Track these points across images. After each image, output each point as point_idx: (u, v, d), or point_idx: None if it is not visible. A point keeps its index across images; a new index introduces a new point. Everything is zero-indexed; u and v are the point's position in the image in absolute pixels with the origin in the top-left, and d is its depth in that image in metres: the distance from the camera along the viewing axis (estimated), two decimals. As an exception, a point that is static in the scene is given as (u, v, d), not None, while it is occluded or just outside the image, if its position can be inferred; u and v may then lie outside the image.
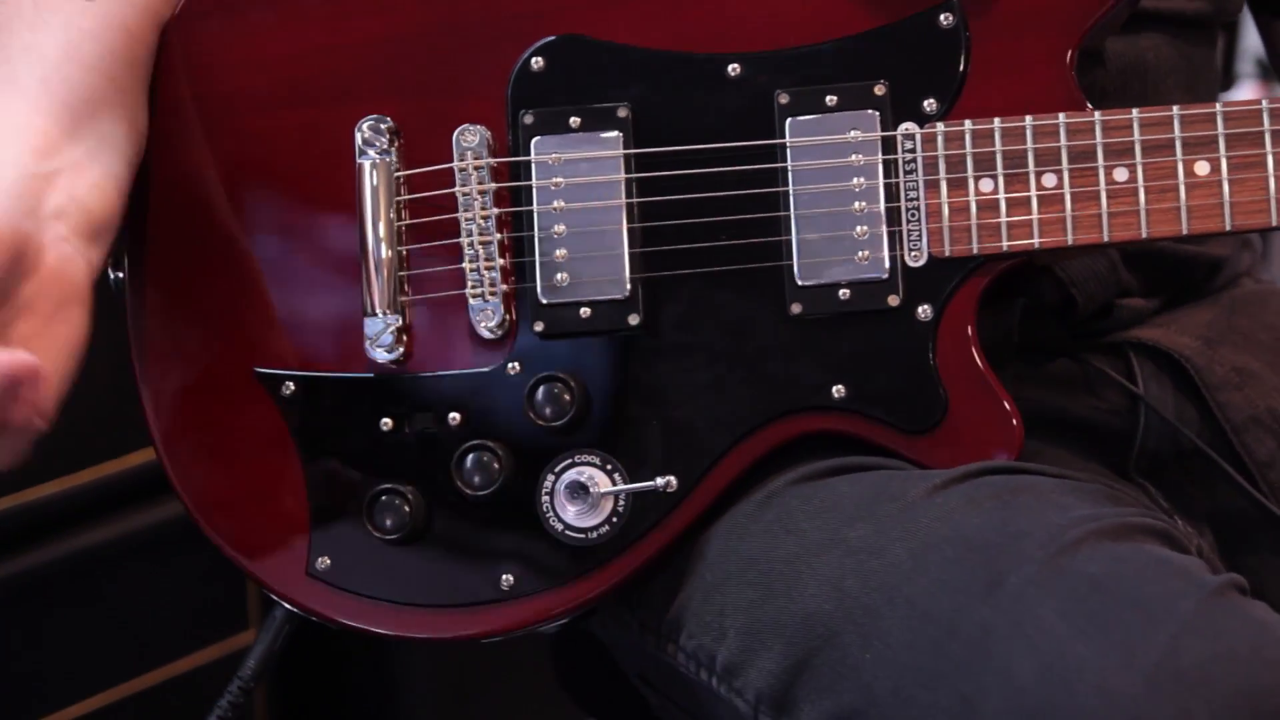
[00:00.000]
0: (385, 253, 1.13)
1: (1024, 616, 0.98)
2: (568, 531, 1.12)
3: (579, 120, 1.13)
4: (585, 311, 1.13)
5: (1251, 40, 1.42)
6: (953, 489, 1.07)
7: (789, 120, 1.12)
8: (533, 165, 1.13)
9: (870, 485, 1.10)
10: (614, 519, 1.11)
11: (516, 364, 1.13)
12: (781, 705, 1.07)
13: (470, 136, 1.14)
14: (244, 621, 1.62)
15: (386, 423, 1.13)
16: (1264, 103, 1.10)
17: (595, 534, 1.12)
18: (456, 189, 1.14)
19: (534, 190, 1.13)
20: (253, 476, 1.14)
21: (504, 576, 1.12)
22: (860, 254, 1.12)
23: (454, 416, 1.13)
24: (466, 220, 1.14)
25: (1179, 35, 1.25)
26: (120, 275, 1.17)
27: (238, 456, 1.14)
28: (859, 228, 1.12)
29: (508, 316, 1.13)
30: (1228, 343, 1.27)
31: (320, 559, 1.13)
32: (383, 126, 1.14)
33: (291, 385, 1.14)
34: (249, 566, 1.14)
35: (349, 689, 1.75)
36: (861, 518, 1.07)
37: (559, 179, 1.13)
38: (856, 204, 1.12)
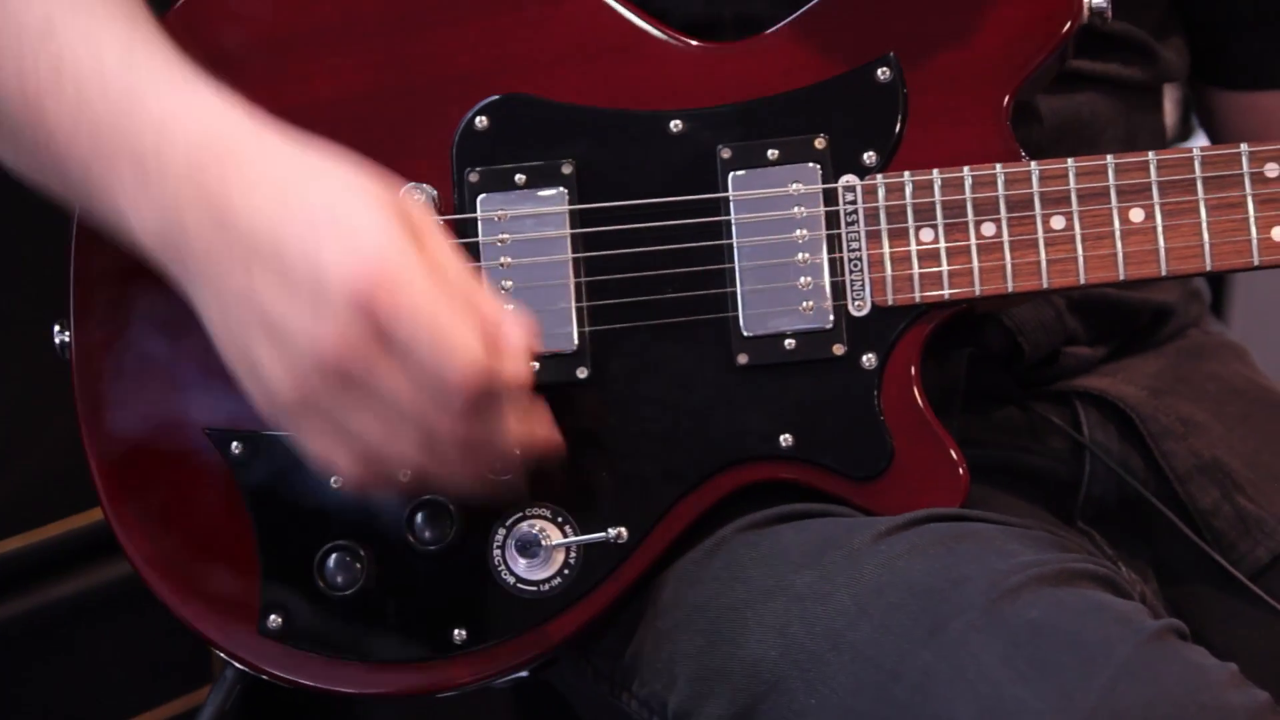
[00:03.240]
0: (333, 311, 1.13)
1: (965, 660, 1.00)
2: (519, 584, 1.12)
3: (524, 177, 1.15)
4: (534, 365, 1.13)
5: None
6: (897, 536, 1.08)
7: (731, 174, 1.14)
8: (479, 222, 1.15)
9: (817, 532, 1.11)
10: (565, 571, 1.12)
11: (465, 418, 1.14)
12: (730, 752, 1.07)
13: (416, 195, 1.15)
14: (206, 676, 1.62)
15: (337, 479, 1.14)
16: (1195, 150, 1.12)
17: (547, 586, 1.12)
18: (404, 247, 1.14)
19: (480, 247, 1.14)
20: (202, 536, 1.14)
21: (457, 631, 1.12)
22: (805, 304, 1.13)
23: (404, 471, 1.13)
24: (414, 277, 1.14)
25: (1118, 94, 1.27)
26: (66, 337, 1.17)
27: (187, 516, 1.15)
28: (803, 278, 1.13)
29: (456, 372, 1.14)
30: (1174, 392, 1.28)
31: (272, 617, 1.13)
32: (330, 187, 1.15)
33: (240, 444, 1.14)
34: (199, 626, 1.14)
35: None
36: (808, 565, 1.08)
37: (505, 235, 1.15)
38: (800, 255, 1.13)
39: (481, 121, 1.15)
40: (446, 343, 0.96)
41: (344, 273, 0.96)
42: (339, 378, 0.97)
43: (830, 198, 1.13)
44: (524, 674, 1.15)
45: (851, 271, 1.13)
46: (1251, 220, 1.11)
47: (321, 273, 0.97)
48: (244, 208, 0.99)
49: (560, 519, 1.12)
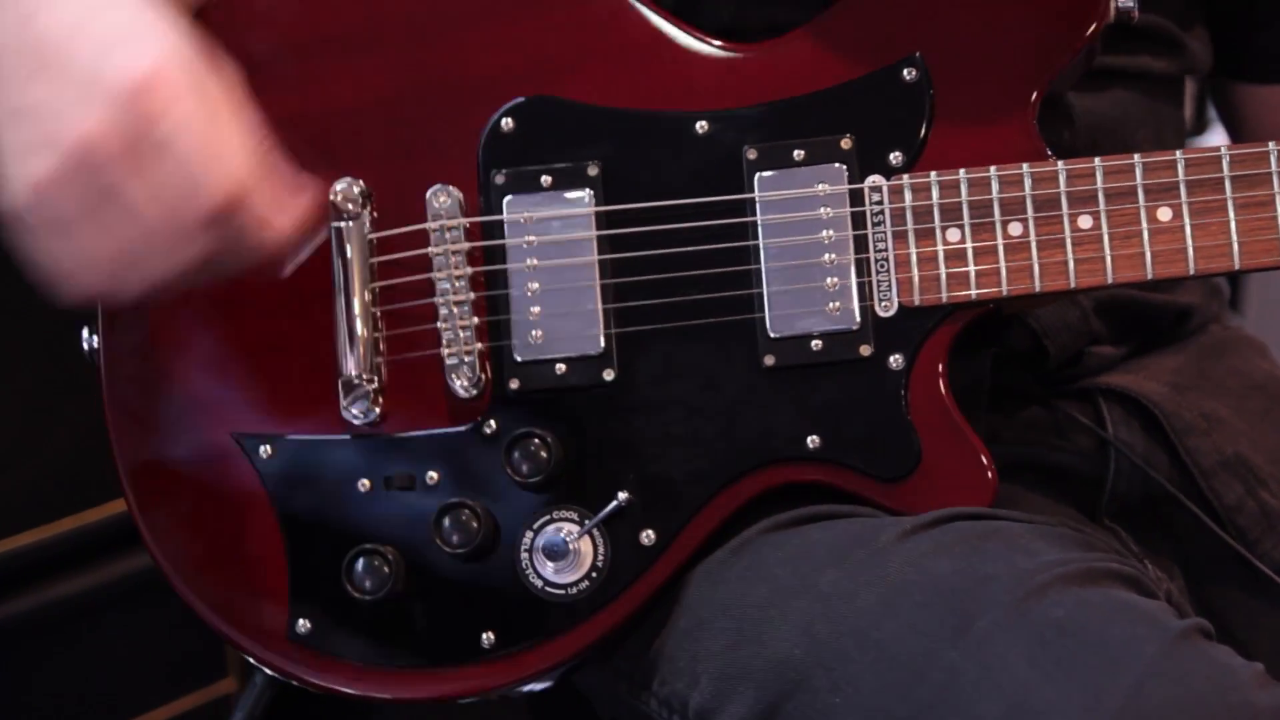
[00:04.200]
0: (359, 316, 1.14)
1: (991, 660, 0.99)
2: (547, 588, 1.12)
3: (550, 179, 1.15)
4: (560, 368, 1.13)
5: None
6: (922, 534, 1.08)
7: (757, 175, 1.14)
8: (505, 224, 1.15)
9: (842, 531, 1.11)
10: (593, 574, 1.12)
11: (493, 422, 1.14)
12: (754, 751, 1.07)
13: (443, 198, 1.15)
14: (223, 669, 1.62)
15: (364, 484, 1.14)
16: (1223, 149, 1.11)
17: (575, 590, 1.12)
18: (430, 250, 1.15)
19: (507, 249, 1.14)
20: (231, 541, 1.15)
21: (485, 635, 1.12)
22: (831, 305, 1.13)
23: (432, 476, 1.13)
24: (440, 280, 1.14)
25: (1146, 89, 1.27)
26: (95, 343, 1.17)
27: (215, 521, 1.15)
28: (829, 279, 1.13)
29: (483, 375, 1.14)
30: (1196, 389, 1.28)
31: (300, 622, 1.13)
32: (355, 190, 1.15)
33: (269, 448, 1.15)
34: (228, 632, 1.14)
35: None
36: (833, 563, 1.08)
37: (531, 237, 1.15)
38: (826, 256, 1.13)
39: (507, 124, 1.15)
40: (215, 149, 0.97)
41: (124, 67, 0.97)
42: (87, 169, 0.97)
43: (856, 198, 1.13)
44: (549, 683, 1.15)
45: (878, 272, 1.13)
46: (1280, 218, 1.11)
47: (101, 66, 0.97)
48: (47, 20, 0.99)
49: (587, 521, 1.12)
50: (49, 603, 1.53)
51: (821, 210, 1.14)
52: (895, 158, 1.13)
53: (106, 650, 1.57)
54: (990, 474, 1.12)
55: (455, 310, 1.14)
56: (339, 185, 1.15)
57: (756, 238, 1.14)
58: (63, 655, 1.55)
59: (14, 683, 1.52)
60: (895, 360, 1.13)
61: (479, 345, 1.14)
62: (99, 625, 1.56)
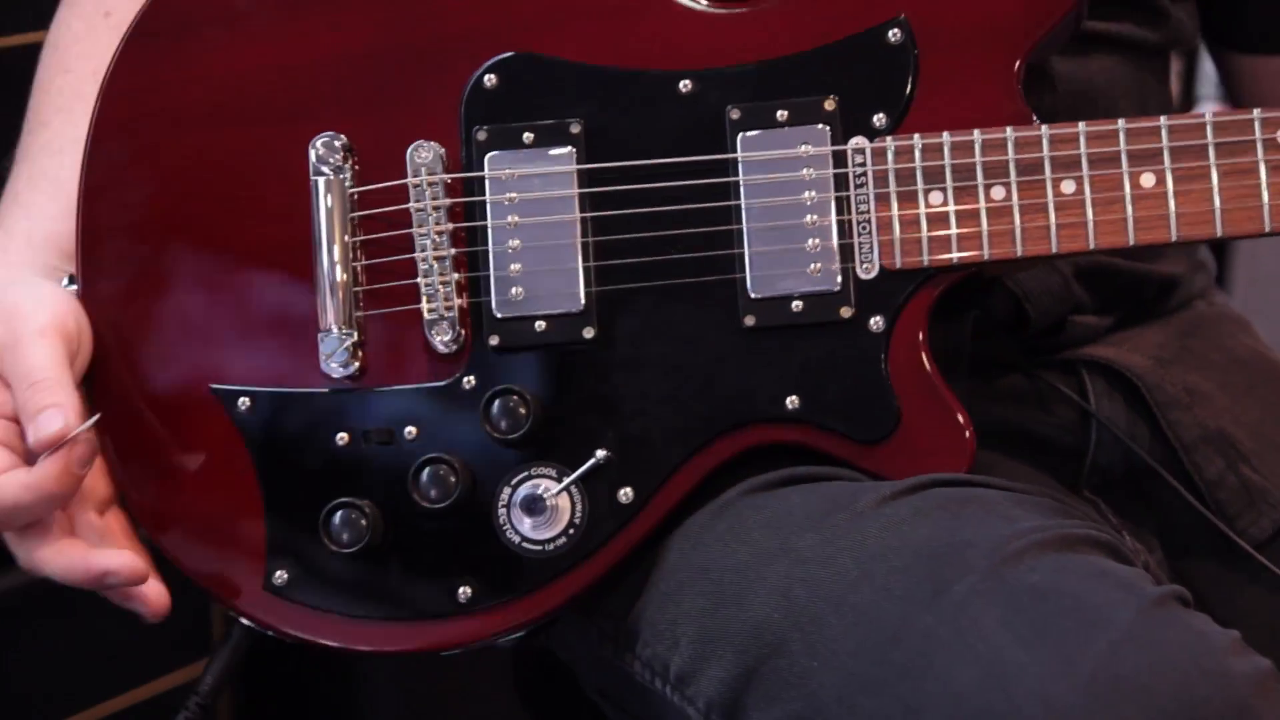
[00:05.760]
0: (339, 269, 1.14)
1: (966, 625, 0.99)
2: (524, 544, 1.12)
3: (532, 136, 1.14)
4: (540, 325, 1.13)
5: (1211, 63, 1.44)
6: (901, 500, 1.08)
7: (740, 135, 1.14)
8: (486, 181, 1.14)
9: (821, 495, 1.11)
10: (571, 530, 1.12)
11: (472, 378, 1.14)
12: (731, 713, 1.07)
13: (424, 153, 1.15)
14: (208, 646, 1.62)
15: (342, 437, 1.14)
16: (1207, 115, 1.11)
17: (552, 546, 1.12)
18: (411, 205, 1.15)
19: (488, 205, 1.14)
20: (208, 493, 1.15)
21: (461, 589, 1.12)
22: (812, 266, 1.13)
23: (410, 430, 1.13)
24: (421, 236, 1.14)
25: (1130, 58, 1.27)
26: (72, 291, 1.17)
27: (193, 473, 1.15)
28: (810, 240, 1.13)
29: (462, 331, 1.14)
30: (1180, 363, 1.28)
31: (277, 573, 1.13)
32: (337, 144, 1.15)
33: (247, 401, 1.14)
34: (205, 582, 1.14)
35: (313, 706, 1.75)
36: (811, 527, 1.08)
37: (513, 194, 1.14)
38: (808, 217, 1.13)
39: (490, 79, 1.15)
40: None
41: None
42: None
43: (839, 160, 1.13)
44: (521, 634, 1.15)
45: (860, 234, 1.13)
46: (1263, 186, 1.10)
47: None
48: None
49: (565, 478, 1.12)
50: (32, 579, 1.53)
51: (804, 171, 1.13)
52: (879, 119, 1.13)
53: (90, 627, 1.56)
54: (969, 438, 1.12)
55: (435, 266, 1.14)
56: (319, 139, 1.14)
57: (738, 198, 1.13)
58: (47, 632, 1.54)
59: (-1, 657, 1.53)
60: (876, 322, 1.12)
61: (459, 301, 1.14)
62: (84, 600, 1.54)
